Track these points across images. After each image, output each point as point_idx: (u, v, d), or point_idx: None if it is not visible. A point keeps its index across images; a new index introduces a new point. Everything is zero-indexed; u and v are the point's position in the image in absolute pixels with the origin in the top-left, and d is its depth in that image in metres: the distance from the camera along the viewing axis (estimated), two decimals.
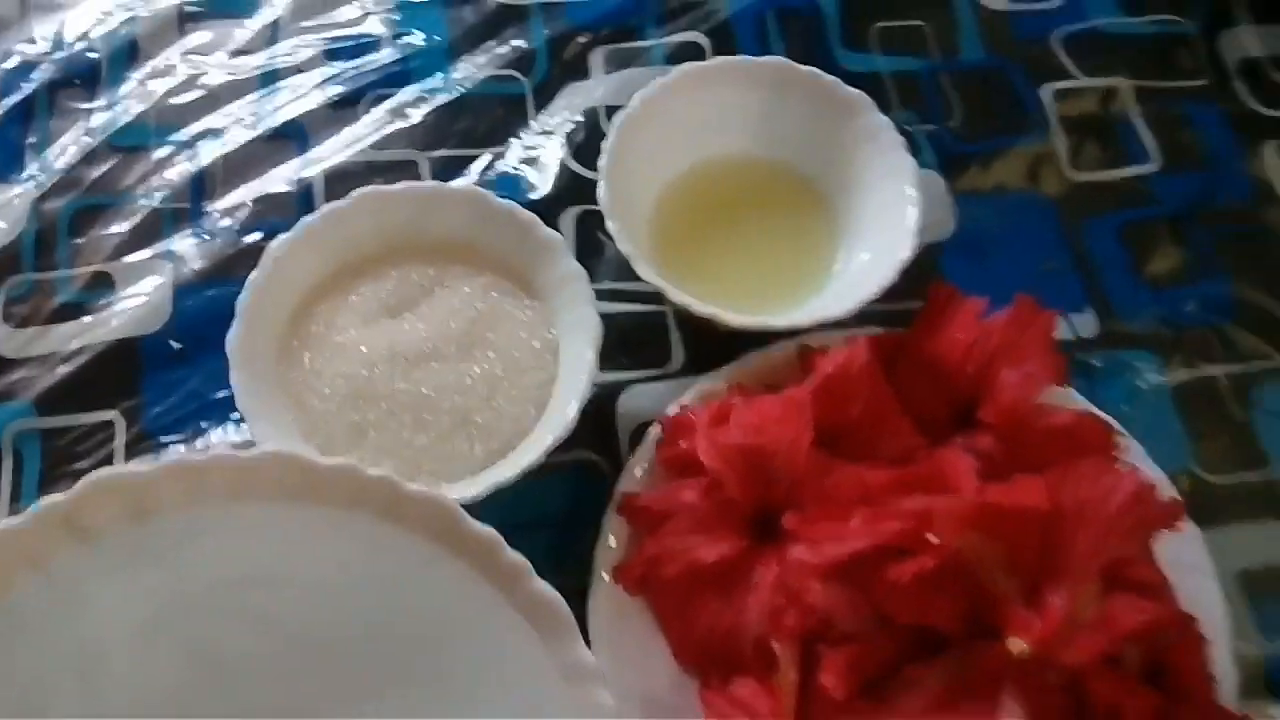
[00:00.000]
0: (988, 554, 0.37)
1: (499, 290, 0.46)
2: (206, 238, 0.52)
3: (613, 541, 0.42)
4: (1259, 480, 0.48)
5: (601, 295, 0.45)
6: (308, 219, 0.44)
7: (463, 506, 0.34)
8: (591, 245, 0.51)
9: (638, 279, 0.45)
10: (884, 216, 0.47)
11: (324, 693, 0.35)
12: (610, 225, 0.44)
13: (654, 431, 0.44)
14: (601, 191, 0.45)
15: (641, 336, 0.49)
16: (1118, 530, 0.37)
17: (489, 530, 0.33)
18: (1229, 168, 0.56)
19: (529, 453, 0.41)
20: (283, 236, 0.44)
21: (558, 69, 0.57)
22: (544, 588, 0.33)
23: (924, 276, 0.51)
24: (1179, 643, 0.38)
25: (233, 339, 0.41)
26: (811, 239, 0.50)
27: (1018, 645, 0.34)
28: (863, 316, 0.49)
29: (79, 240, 0.51)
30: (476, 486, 0.40)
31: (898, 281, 0.46)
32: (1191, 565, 0.42)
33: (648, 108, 0.48)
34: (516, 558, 0.33)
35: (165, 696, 0.35)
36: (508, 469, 0.40)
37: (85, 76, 0.57)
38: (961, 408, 0.43)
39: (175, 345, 0.48)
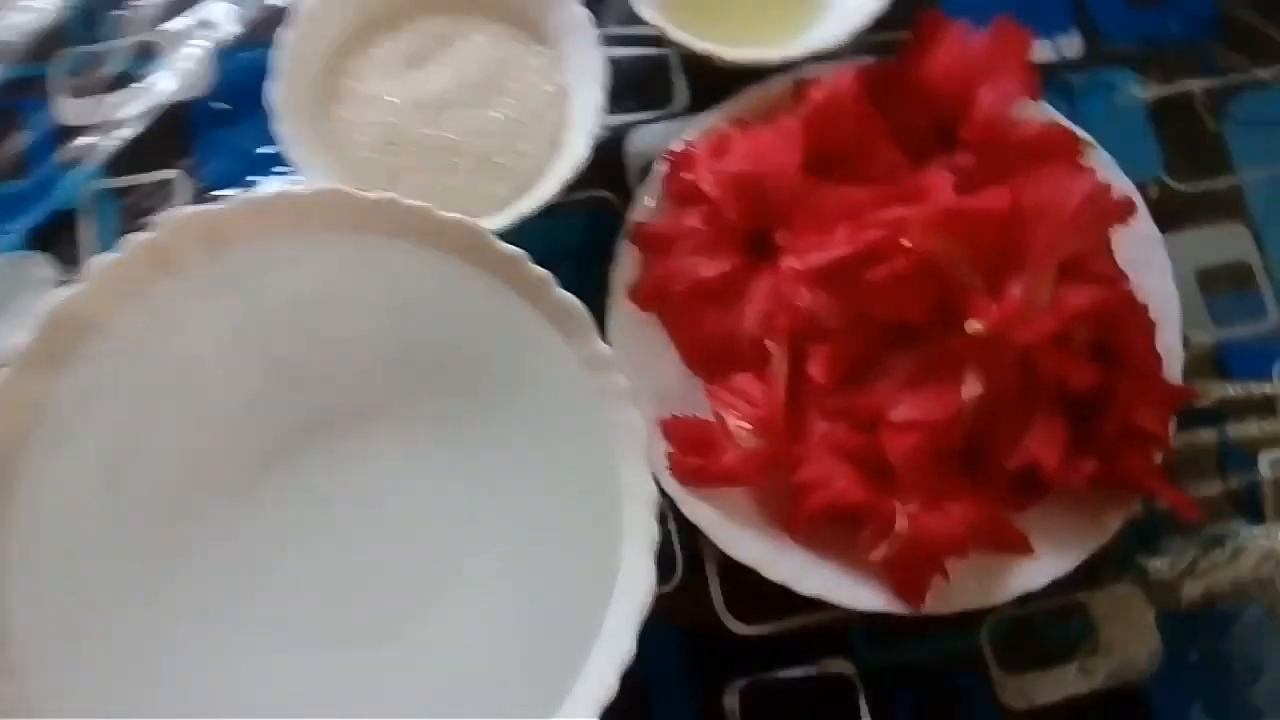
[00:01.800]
0: (955, 253, 0.42)
1: (512, 38, 0.49)
2: (237, 4, 0.55)
3: (627, 265, 0.47)
4: (1224, 185, 0.51)
5: (607, 40, 0.48)
6: None
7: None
8: None
9: (641, 23, 0.48)
10: None
11: (384, 389, 0.41)
12: None
13: (660, 166, 0.48)
14: None
15: (646, 78, 0.52)
16: (1075, 226, 0.41)
17: (515, 249, 0.38)
18: None
19: (547, 187, 0.45)
20: None
21: None
22: (564, 295, 0.38)
23: (920, 3, 0.53)
24: (1126, 324, 0.43)
25: (274, 94, 0.45)
26: None
27: (974, 326, 0.40)
28: (857, 47, 0.51)
29: (120, 12, 0.55)
30: (503, 219, 0.45)
31: (894, 11, 0.48)
32: (1150, 262, 0.46)
33: None
34: (540, 271, 0.38)
35: (251, 399, 0.42)
36: (530, 202, 0.45)
37: None
38: (944, 129, 0.47)
39: (221, 106, 0.53)
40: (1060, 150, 0.44)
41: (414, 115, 0.47)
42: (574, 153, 0.46)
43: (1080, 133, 0.48)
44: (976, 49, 0.46)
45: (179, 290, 0.39)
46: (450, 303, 0.40)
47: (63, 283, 0.49)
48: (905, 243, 0.41)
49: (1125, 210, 0.42)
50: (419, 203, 0.38)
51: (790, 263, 0.42)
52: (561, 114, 0.48)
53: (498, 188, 0.47)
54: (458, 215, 0.38)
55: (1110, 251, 0.45)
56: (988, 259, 0.41)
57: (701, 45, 0.47)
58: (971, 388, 0.41)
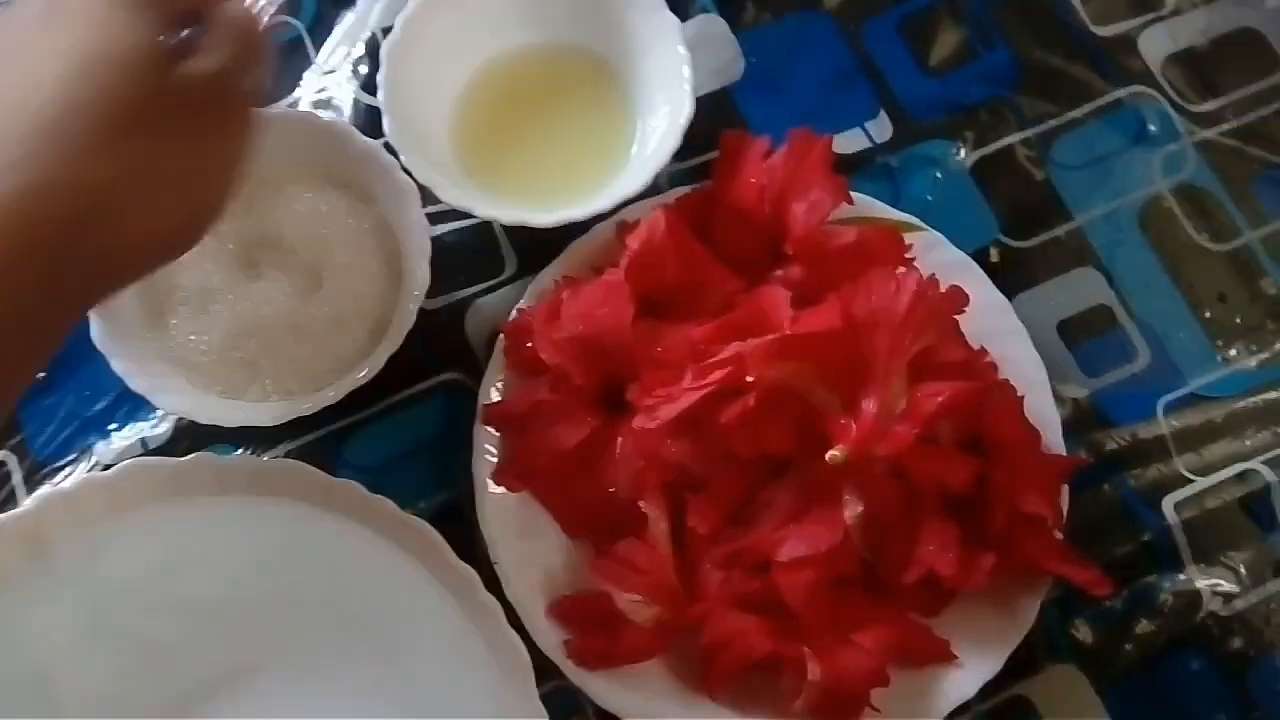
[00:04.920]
0: (803, 377, 0.41)
1: (338, 203, 0.48)
2: None
3: (487, 449, 0.45)
4: (1064, 233, 0.51)
5: (429, 218, 0.47)
6: None
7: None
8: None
9: None
10: (665, 81, 0.49)
11: (266, 642, 0.39)
12: (404, 159, 0.46)
13: (500, 341, 0.46)
14: (387, 126, 0.46)
15: (475, 250, 0.51)
16: (910, 327, 0.40)
17: (359, 490, 0.36)
18: None
19: (388, 347, 0.44)
20: None
21: (327, 3, 0.56)
22: (411, 520, 0.36)
23: (726, 122, 0.53)
24: (991, 407, 0.42)
25: (98, 336, 0.43)
26: (609, 118, 0.51)
27: (833, 455, 0.38)
28: (675, 177, 0.51)
29: None
30: (360, 370, 0.43)
31: (704, 135, 0.48)
32: (1004, 331, 0.46)
33: (413, 27, 0.48)
34: (377, 499, 0.36)
35: (110, 690, 0.39)
36: (380, 356, 0.44)
37: None
38: (770, 245, 0.46)
39: (40, 375, 0.50)
40: (885, 251, 0.43)
41: (247, 298, 0.46)
42: (402, 318, 0.44)
43: (904, 217, 0.48)
44: (780, 164, 0.45)
45: (11, 603, 0.36)
46: (303, 548, 0.38)
47: None
48: (749, 378, 0.40)
49: (957, 300, 0.42)
50: (234, 458, 0.36)
51: (642, 421, 0.41)
52: (390, 276, 0.47)
53: (353, 337, 0.46)
54: (289, 461, 0.36)
55: (959, 334, 0.44)
56: (836, 376, 0.41)
57: (511, 217, 0.46)
58: (852, 509, 0.40)
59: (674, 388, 0.41)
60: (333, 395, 0.43)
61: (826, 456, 0.39)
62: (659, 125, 0.49)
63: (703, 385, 0.41)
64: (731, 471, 0.42)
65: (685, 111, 0.47)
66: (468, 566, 0.38)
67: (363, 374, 0.43)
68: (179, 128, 0.32)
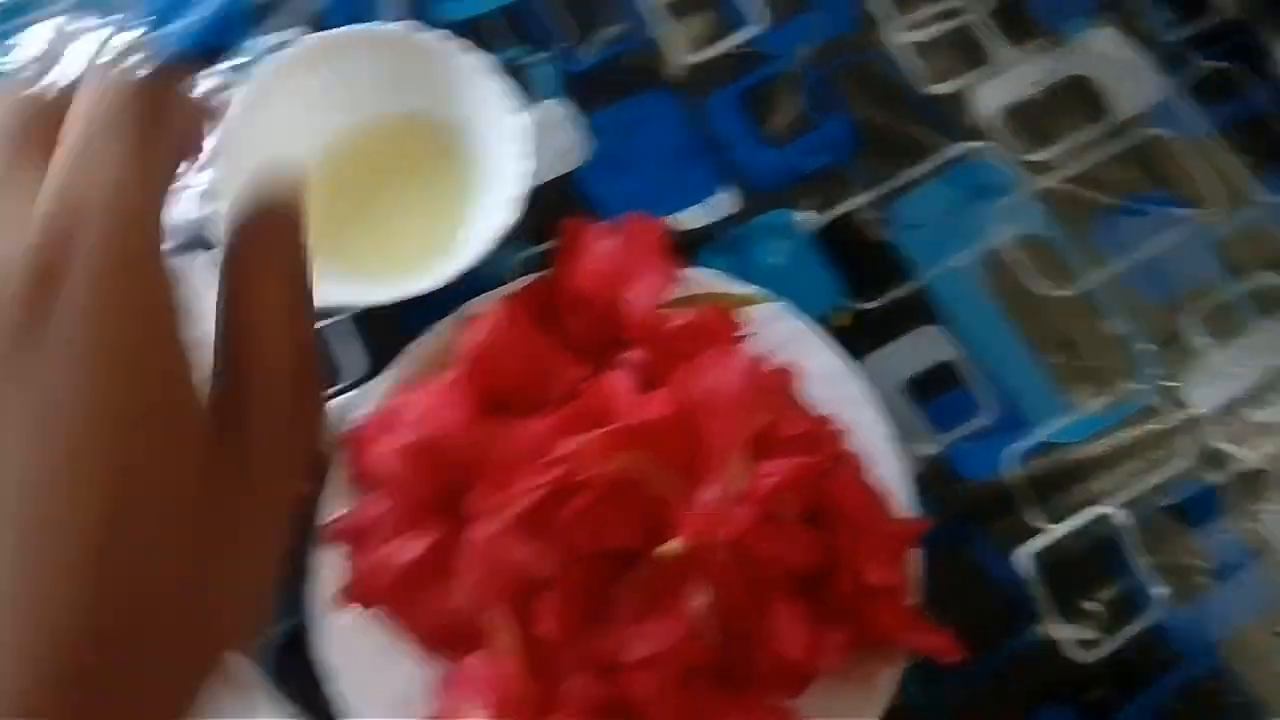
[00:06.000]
0: (642, 467, 0.40)
1: None
2: None
3: (328, 570, 0.44)
4: (907, 292, 0.52)
5: None
6: None
7: None
8: None
9: None
10: (506, 154, 0.48)
11: None
12: None
13: (339, 454, 0.45)
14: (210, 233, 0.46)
15: (321, 356, 0.50)
16: (744, 408, 0.40)
17: None
18: (831, 4, 0.58)
19: None
20: None
21: None
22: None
23: (573, 207, 0.54)
24: (834, 478, 0.42)
25: None
26: (452, 194, 0.51)
27: (665, 551, 0.38)
28: (524, 265, 0.51)
29: None
30: None
31: (553, 221, 0.48)
32: (847, 397, 0.46)
33: (239, 129, 0.47)
34: None
35: None
36: None
37: None
38: (613, 331, 0.46)
39: None
40: (718, 332, 0.43)
41: None
42: None
43: (749, 289, 0.48)
44: (615, 249, 0.45)
45: None
46: None
47: None
48: (584, 474, 0.39)
49: (786, 377, 0.42)
50: None
51: (479, 529, 0.40)
52: None
53: None
54: None
55: (801, 406, 0.44)
56: (677, 462, 0.40)
57: (337, 296, 0.45)
58: (697, 600, 0.40)
59: (511, 490, 0.40)
60: None
61: (657, 552, 0.38)
62: (497, 208, 0.48)
63: (539, 485, 0.40)
64: (579, 571, 0.41)
65: (520, 186, 0.46)
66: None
67: None
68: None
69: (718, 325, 0.44)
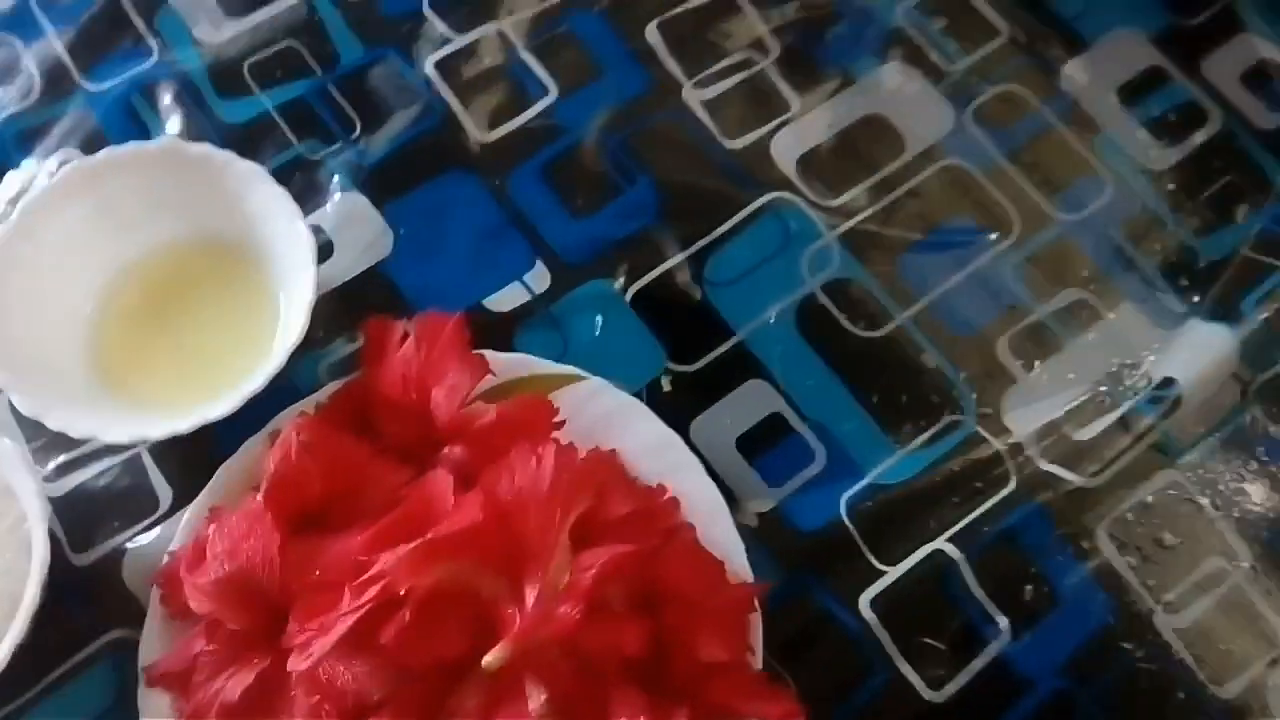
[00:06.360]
0: (463, 574, 0.39)
1: None
2: None
3: (154, 712, 0.41)
4: (728, 349, 0.52)
5: (71, 466, 0.44)
6: None
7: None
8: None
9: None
10: (290, 269, 0.47)
11: None
12: (15, 400, 0.43)
13: (155, 592, 0.43)
14: None
15: (126, 490, 0.48)
16: (558, 501, 0.39)
17: None
18: (621, 68, 0.58)
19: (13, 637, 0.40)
20: None
21: None
22: None
23: (383, 299, 0.52)
24: (662, 557, 0.42)
25: None
26: (251, 309, 0.49)
27: (489, 661, 0.37)
28: (342, 368, 0.50)
29: None
30: None
31: (363, 317, 0.47)
32: (676, 465, 0.46)
33: (11, 252, 0.46)
34: None
35: None
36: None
37: None
38: (428, 431, 0.45)
39: None
40: (527, 424, 0.43)
41: None
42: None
43: (564, 369, 0.47)
44: (414, 350, 0.44)
45: None
46: None
47: None
48: (400, 590, 0.38)
49: (607, 461, 0.42)
50: None
51: (296, 661, 0.38)
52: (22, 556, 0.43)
53: None
54: None
55: (626, 481, 0.44)
56: (499, 564, 0.39)
57: (131, 433, 0.43)
58: (536, 698, 0.38)
59: (328, 616, 0.39)
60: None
61: (483, 662, 0.37)
62: (293, 308, 0.47)
63: (359, 605, 0.38)
64: (413, 687, 0.39)
65: (309, 292, 0.45)
66: None
67: None
68: None
69: (532, 414, 0.43)
